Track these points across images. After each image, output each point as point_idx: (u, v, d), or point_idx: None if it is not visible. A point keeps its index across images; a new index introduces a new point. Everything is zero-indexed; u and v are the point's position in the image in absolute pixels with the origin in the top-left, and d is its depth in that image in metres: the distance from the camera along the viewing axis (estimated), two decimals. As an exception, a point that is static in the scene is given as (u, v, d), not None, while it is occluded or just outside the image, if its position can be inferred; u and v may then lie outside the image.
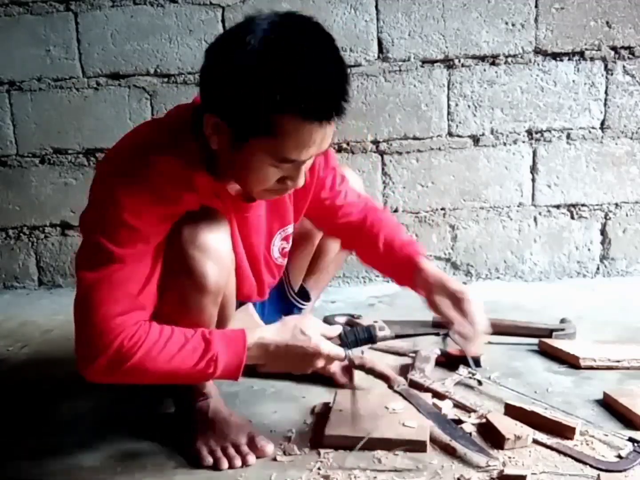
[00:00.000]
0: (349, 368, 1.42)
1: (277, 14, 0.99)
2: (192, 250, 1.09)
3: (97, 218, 1.05)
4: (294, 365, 1.12)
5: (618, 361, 1.46)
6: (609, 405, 1.29)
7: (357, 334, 1.18)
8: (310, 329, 1.09)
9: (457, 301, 1.22)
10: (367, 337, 1.19)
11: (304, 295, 1.59)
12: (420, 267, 1.28)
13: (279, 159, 1.00)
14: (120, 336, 0.98)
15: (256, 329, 1.09)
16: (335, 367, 1.42)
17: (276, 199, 1.24)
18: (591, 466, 1.08)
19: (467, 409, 1.28)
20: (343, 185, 1.39)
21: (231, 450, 1.16)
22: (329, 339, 1.12)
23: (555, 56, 2.10)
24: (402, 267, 1.33)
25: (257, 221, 1.25)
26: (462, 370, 1.43)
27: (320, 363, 1.11)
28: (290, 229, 1.34)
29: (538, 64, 2.10)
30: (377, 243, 1.35)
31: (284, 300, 1.55)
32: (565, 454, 1.12)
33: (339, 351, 1.11)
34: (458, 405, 1.30)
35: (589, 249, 2.22)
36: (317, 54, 0.95)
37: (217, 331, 1.08)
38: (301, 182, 1.07)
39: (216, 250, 1.11)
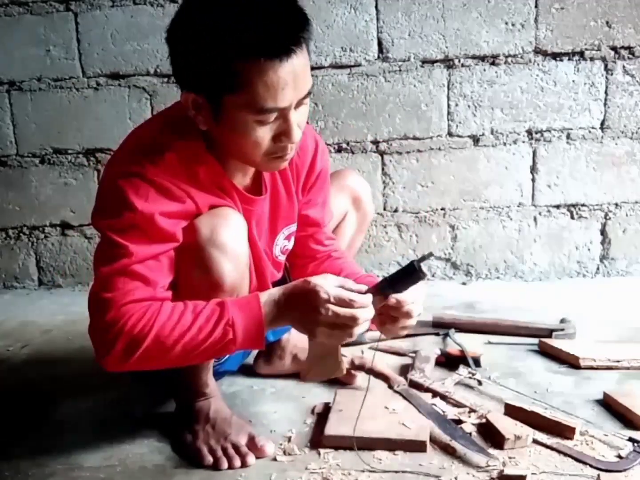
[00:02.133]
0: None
1: None
2: (211, 249, 1.08)
3: (111, 219, 1.05)
4: (308, 318, 1.00)
5: (618, 361, 1.46)
6: (609, 405, 1.29)
7: (396, 273, 1.02)
8: (318, 278, 1.02)
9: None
10: (407, 269, 1.01)
11: None
12: None
13: (257, 110, 0.99)
14: (131, 319, 0.99)
15: (264, 292, 1.06)
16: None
17: (288, 193, 1.26)
18: (591, 466, 1.08)
19: (467, 409, 1.28)
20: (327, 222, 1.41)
21: (231, 451, 1.17)
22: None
23: (555, 56, 2.10)
24: None
25: (260, 218, 1.24)
26: (462, 370, 1.43)
27: (327, 303, 0.98)
28: (293, 228, 1.34)
29: (538, 64, 2.10)
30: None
31: None
32: (565, 454, 1.12)
33: (359, 297, 0.99)
34: (458, 405, 1.30)
35: (589, 249, 2.21)
36: None
37: (229, 298, 1.06)
38: (296, 135, 1.04)
39: (234, 250, 1.11)
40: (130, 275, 1.01)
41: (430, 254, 1.00)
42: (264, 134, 1.03)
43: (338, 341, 1.04)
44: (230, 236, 1.10)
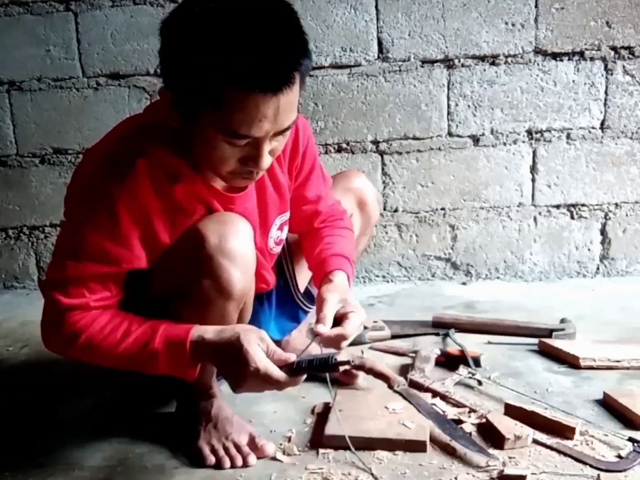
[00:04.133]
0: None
1: None
2: (220, 258, 1.08)
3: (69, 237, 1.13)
4: (230, 370, 1.03)
5: (618, 361, 1.46)
6: (609, 405, 1.29)
7: (314, 360, 1.02)
8: (250, 340, 1.00)
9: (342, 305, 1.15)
10: (322, 363, 1.02)
11: (310, 298, 1.57)
12: (331, 278, 1.22)
13: (228, 133, 0.97)
14: (69, 320, 1.04)
15: (200, 327, 1.05)
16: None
17: (275, 184, 1.24)
18: (591, 466, 1.08)
19: (467, 409, 1.28)
20: (327, 192, 1.38)
21: (233, 450, 1.17)
22: (280, 365, 1.01)
23: (555, 56, 2.10)
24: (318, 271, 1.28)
25: (246, 214, 1.19)
26: (462, 370, 1.43)
27: (254, 376, 0.99)
28: (286, 216, 1.32)
29: (538, 64, 2.10)
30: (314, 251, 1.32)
31: (289, 302, 1.53)
32: (565, 454, 1.12)
33: (283, 378, 1.00)
34: (458, 405, 1.30)
35: (589, 249, 2.22)
36: (261, 23, 0.92)
37: (165, 325, 1.04)
38: (264, 164, 1.02)
39: (242, 256, 1.10)
40: (82, 284, 1.06)
41: (348, 362, 1.01)
42: (231, 154, 1.01)
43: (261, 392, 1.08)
44: (238, 243, 1.09)
